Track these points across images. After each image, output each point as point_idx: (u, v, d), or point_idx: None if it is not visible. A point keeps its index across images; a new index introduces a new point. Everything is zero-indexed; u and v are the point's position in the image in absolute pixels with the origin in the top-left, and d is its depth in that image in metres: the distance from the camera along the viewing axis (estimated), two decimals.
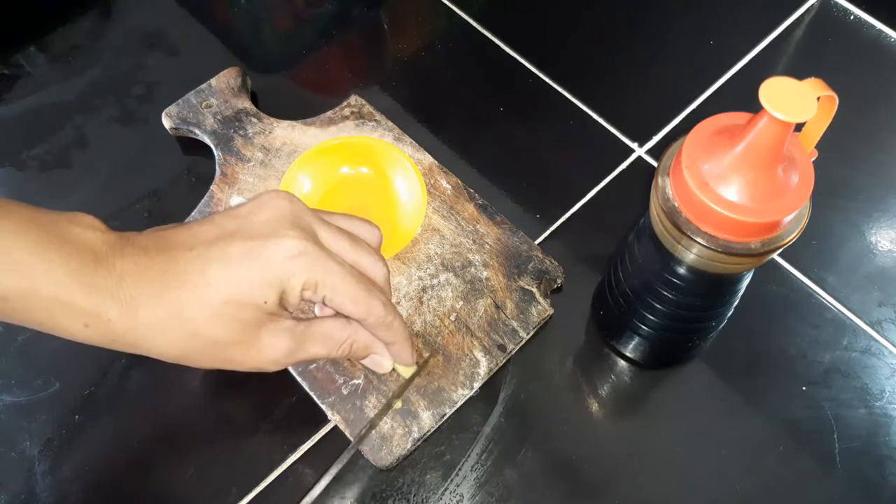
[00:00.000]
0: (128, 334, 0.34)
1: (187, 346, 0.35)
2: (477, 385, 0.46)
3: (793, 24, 0.64)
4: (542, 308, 0.48)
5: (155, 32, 0.63)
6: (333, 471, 0.42)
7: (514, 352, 0.48)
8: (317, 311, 0.43)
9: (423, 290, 0.49)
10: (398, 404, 0.45)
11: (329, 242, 0.38)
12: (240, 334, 0.35)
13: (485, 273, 0.49)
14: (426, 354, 0.46)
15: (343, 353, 0.40)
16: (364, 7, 0.66)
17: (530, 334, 0.48)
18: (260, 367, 0.38)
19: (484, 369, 0.46)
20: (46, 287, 0.32)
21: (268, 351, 0.37)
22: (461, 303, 0.48)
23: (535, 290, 0.49)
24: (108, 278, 0.33)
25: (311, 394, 0.46)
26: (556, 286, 0.51)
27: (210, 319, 0.35)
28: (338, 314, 0.39)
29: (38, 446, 0.45)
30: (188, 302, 0.34)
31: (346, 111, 0.57)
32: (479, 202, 0.53)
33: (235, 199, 0.52)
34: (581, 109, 0.60)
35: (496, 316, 0.48)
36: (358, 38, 0.65)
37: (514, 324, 0.48)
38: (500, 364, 0.47)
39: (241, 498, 0.44)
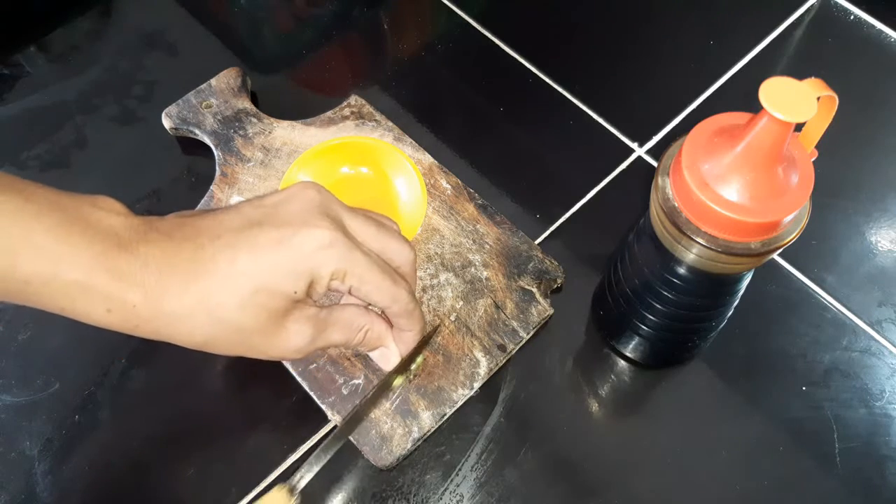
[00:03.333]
0: (152, 320, 0.34)
1: (212, 334, 0.35)
2: (477, 385, 0.46)
3: (793, 24, 0.64)
4: (542, 308, 0.48)
5: (155, 32, 0.63)
6: (324, 457, 0.42)
7: (514, 352, 0.48)
8: None
9: (423, 290, 0.49)
10: (398, 380, 0.44)
11: (356, 231, 0.38)
12: (265, 322, 0.35)
13: (485, 273, 0.49)
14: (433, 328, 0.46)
15: (358, 341, 0.40)
16: (364, 7, 0.66)
17: (530, 334, 0.48)
18: (282, 355, 0.38)
19: (484, 369, 0.46)
20: (70, 271, 0.31)
21: (292, 339, 0.37)
22: (461, 303, 0.48)
23: (535, 290, 0.49)
24: (132, 263, 0.33)
25: (311, 394, 0.46)
26: (556, 286, 0.51)
27: (239, 308, 0.34)
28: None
29: (38, 446, 0.45)
30: (217, 291, 0.34)
31: (346, 111, 0.57)
32: (479, 202, 0.53)
33: (236, 200, 0.52)
34: (581, 109, 0.60)
35: (496, 316, 0.48)
36: (358, 38, 0.65)
37: (514, 324, 0.48)
38: (500, 364, 0.47)
39: (241, 498, 0.44)
